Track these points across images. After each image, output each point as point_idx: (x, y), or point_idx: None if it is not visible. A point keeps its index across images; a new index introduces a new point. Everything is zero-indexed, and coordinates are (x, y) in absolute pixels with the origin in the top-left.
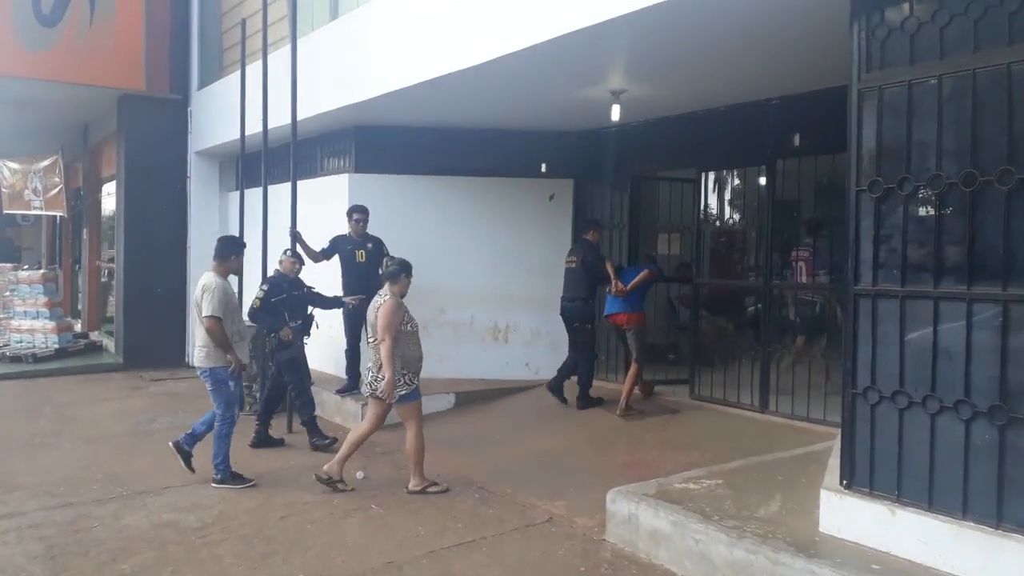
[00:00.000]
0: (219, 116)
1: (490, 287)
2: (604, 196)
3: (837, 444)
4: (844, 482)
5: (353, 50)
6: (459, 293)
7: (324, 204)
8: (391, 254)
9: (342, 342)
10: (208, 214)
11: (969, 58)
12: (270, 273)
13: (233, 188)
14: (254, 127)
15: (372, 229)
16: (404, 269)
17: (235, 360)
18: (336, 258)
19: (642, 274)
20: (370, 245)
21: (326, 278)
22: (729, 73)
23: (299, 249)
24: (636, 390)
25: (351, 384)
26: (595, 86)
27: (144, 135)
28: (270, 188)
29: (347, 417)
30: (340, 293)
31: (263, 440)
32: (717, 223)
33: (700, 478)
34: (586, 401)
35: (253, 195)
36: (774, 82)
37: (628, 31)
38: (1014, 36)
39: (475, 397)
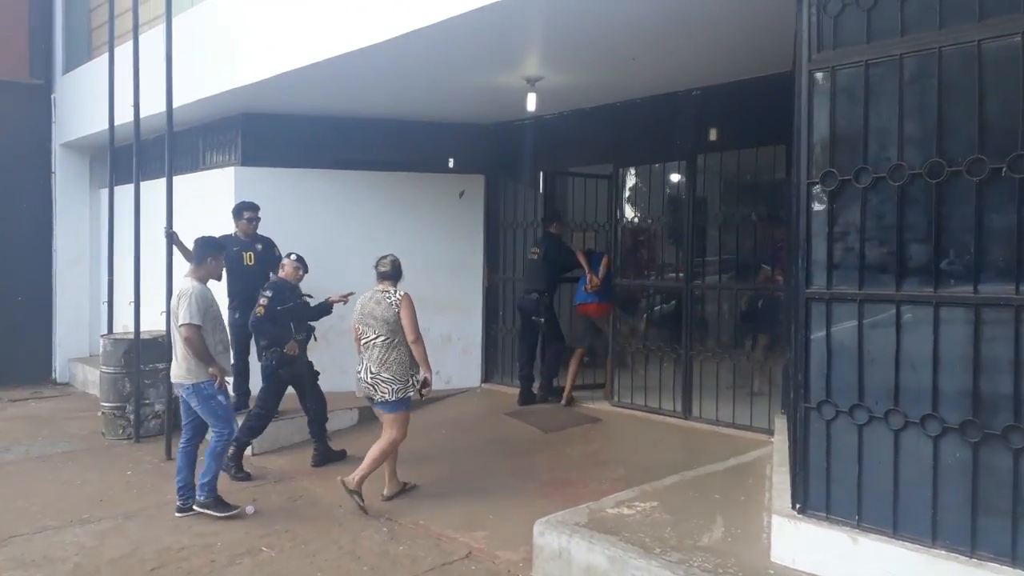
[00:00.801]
0: (88, 103)
1: None
2: (517, 192)
3: (774, 456)
4: (797, 506)
5: (237, 28)
6: None
7: (208, 201)
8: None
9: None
10: (77, 213)
11: (934, 35)
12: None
13: (107, 184)
14: (127, 115)
15: (262, 228)
16: (400, 266)
17: (218, 371)
18: None
19: (603, 261)
20: (260, 247)
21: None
22: (656, 58)
23: (176, 251)
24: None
25: (240, 402)
26: (509, 72)
27: None
28: (147, 184)
29: None
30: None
31: (326, 456)
32: (635, 220)
33: (634, 500)
34: (547, 391)
35: (126, 192)
36: (701, 69)
37: (547, 5)
38: (984, 10)
39: None
